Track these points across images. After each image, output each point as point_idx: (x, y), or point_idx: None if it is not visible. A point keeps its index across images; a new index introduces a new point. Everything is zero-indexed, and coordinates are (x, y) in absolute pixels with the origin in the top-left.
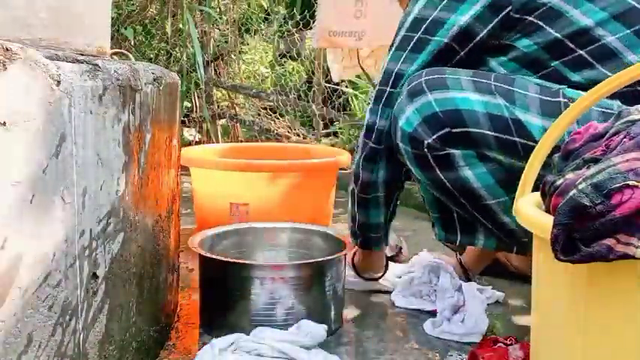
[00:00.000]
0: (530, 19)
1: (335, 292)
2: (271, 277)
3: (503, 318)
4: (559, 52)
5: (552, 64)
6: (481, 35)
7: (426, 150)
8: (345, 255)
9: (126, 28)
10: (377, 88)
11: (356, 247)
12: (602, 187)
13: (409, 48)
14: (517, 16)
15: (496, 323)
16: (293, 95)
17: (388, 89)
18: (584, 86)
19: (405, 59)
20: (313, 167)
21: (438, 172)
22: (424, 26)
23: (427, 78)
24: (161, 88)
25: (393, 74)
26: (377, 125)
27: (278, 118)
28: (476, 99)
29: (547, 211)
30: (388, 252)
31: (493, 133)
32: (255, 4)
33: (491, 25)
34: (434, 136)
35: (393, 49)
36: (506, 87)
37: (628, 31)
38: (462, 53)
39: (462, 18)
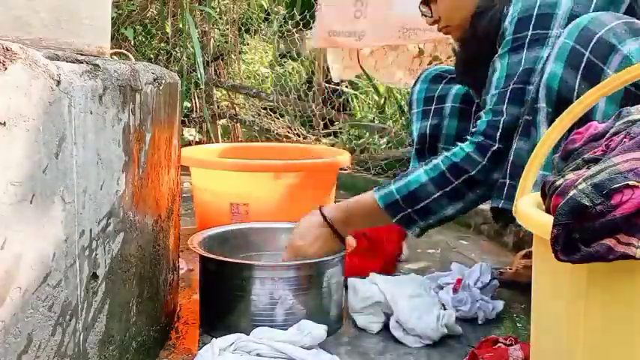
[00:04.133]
0: None
1: (335, 293)
2: (271, 277)
3: (504, 318)
4: None
5: None
6: None
7: None
8: (344, 255)
9: (126, 28)
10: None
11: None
12: (602, 187)
13: None
14: None
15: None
16: (293, 95)
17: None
18: None
19: None
20: (313, 167)
21: None
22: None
23: (637, 21)
24: (161, 88)
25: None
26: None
27: (278, 118)
28: None
29: (547, 211)
30: None
31: None
32: (255, 4)
33: None
34: None
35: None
36: None
37: None
38: None
39: None
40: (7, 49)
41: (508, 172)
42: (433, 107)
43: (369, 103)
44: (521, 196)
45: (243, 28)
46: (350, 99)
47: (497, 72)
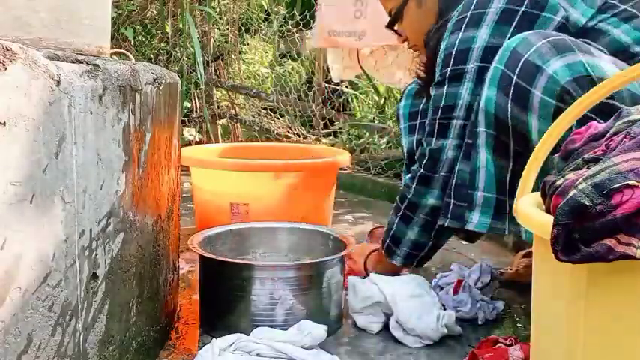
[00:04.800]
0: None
1: (335, 293)
2: (271, 277)
3: (504, 318)
4: None
5: None
6: None
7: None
8: (344, 255)
9: (126, 28)
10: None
11: (372, 251)
12: (602, 188)
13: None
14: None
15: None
16: (293, 95)
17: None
18: None
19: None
20: (313, 167)
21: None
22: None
23: (566, 38)
24: (161, 88)
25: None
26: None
27: (278, 118)
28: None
29: (547, 211)
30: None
31: None
32: (255, 4)
33: None
34: None
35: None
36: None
37: None
38: None
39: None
40: (7, 49)
41: (452, 192)
42: (418, 122)
43: (369, 103)
44: (521, 196)
45: (243, 28)
46: (350, 99)
47: (430, 102)
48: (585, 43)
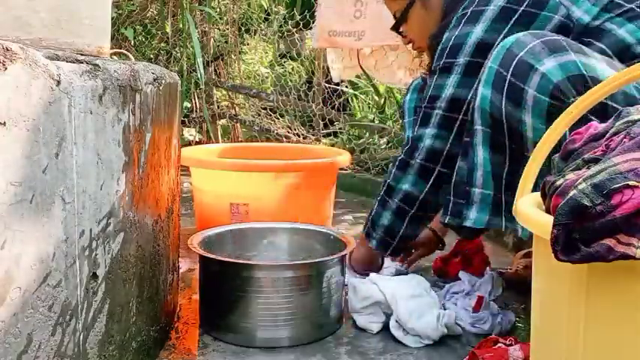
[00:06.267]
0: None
1: (335, 293)
2: (271, 277)
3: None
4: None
5: None
6: None
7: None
8: (344, 255)
9: (126, 28)
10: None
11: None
12: (602, 188)
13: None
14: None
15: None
16: (293, 95)
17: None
18: None
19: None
20: (313, 167)
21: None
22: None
23: (559, 38)
24: (161, 88)
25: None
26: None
27: (278, 118)
28: (611, 73)
29: (547, 211)
30: None
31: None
32: (255, 4)
33: None
34: (578, 97)
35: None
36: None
37: None
38: None
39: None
40: (7, 49)
41: (452, 190)
42: None
43: (369, 103)
44: (521, 196)
45: (243, 28)
46: (350, 99)
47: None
48: (587, 42)
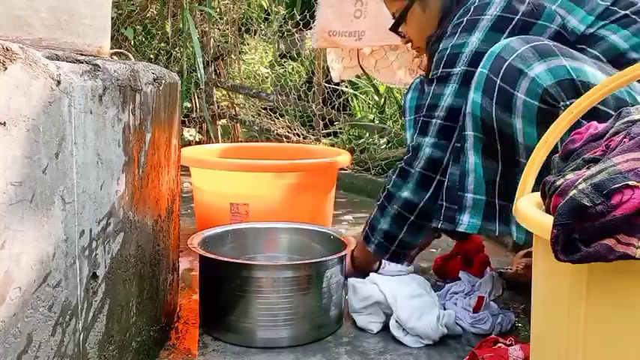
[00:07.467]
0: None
1: (335, 293)
2: (271, 277)
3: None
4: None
5: None
6: None
7: (561, 110)
8: (344, 255)
9: (126, 28)
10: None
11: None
12: (602, 188)
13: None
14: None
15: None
16: (293, 95)
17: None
18: None
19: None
20: (313, 167)
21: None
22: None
23: (549, 43)
24: (161, 88)
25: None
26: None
27: (278, 118)
28: (602, 77)
29: (547, 211)
30: None
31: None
32: (255, 4)
33: None
34: (569, 102)
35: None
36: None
37: None
38: None
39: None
40: (7, 49)
41: (444, 195)
42: None
43: (369, 103)
44: (521, 196)
45: (243, 28)
46: (350, 99)
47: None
48: (581, 49)
